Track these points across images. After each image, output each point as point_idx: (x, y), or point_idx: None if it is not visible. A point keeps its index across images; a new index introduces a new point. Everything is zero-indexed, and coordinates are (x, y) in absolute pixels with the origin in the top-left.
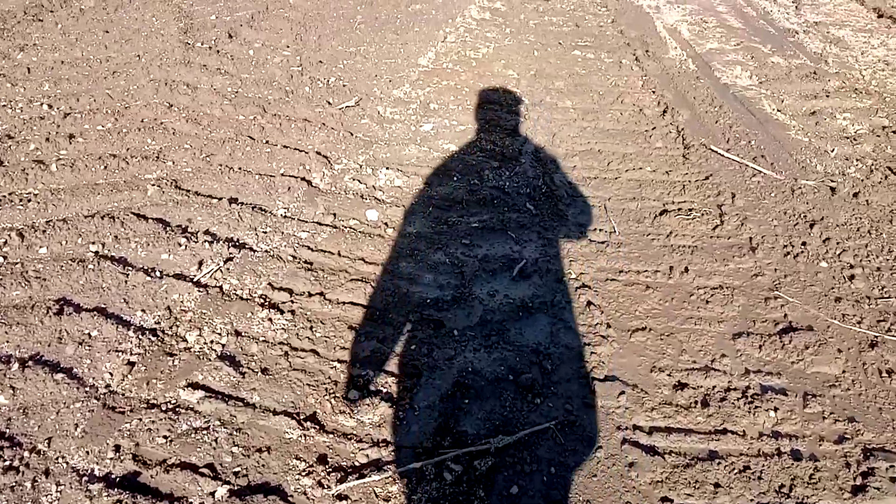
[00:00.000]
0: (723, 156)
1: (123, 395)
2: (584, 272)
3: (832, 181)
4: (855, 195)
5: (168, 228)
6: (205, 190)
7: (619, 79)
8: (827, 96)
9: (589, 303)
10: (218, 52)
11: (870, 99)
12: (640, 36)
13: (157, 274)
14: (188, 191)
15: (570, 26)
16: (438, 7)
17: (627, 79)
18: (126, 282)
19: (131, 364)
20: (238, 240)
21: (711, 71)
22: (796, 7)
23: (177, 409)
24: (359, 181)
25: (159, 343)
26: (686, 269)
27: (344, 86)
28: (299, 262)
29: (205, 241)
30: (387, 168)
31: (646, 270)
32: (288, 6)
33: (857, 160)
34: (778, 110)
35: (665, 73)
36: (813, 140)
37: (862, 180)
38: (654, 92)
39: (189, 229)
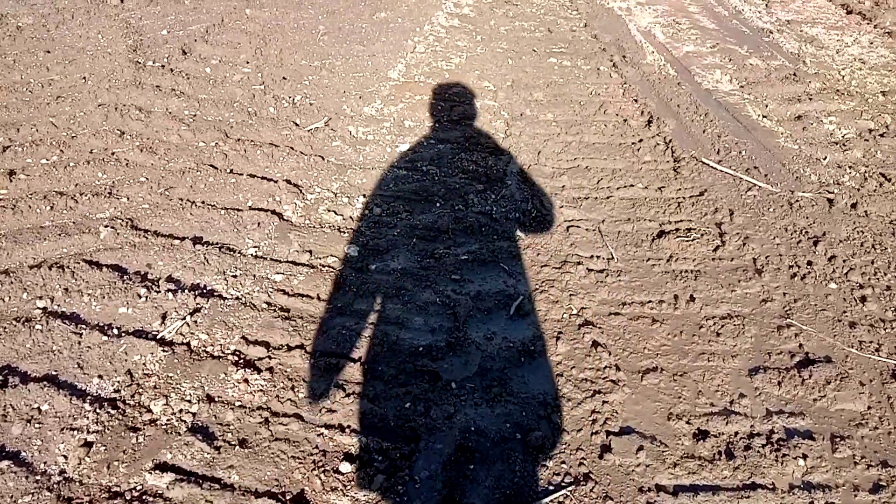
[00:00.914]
0: (716, 169)
1: (81, 482)
2: (585, 306)
3: (829, 192)
4: (853, 206)
5: (125, 277)
6: (165, 229)
7: (598, 87)
8: (810, 99)
9: (594, 342)
10: (172, 70)
11: (852, 100)
12: (614, 40)
13: (115, 332)
14: (146, 231)
15: (542, 32)
16: (404, 15)
17: (607, 87)
18: (79, 343)
19: (89, 444)
20: (205, 286)
21: (692, 76)
22: (766, 5)
23: (143, 498)
24: (334, 212)
25: (120, 416)
26: (692, 298)
27: (311, 104)
28: (275, 310)
29: (168, 289)
30: (363, 196)
31: (650, 301)
32: (244, 18)
33: (849, 167)
34: (763, 116)
35: (645, 79)
36: (803, 147)
37: (857, 189)
38: (636, 101)
39: (149, 276)
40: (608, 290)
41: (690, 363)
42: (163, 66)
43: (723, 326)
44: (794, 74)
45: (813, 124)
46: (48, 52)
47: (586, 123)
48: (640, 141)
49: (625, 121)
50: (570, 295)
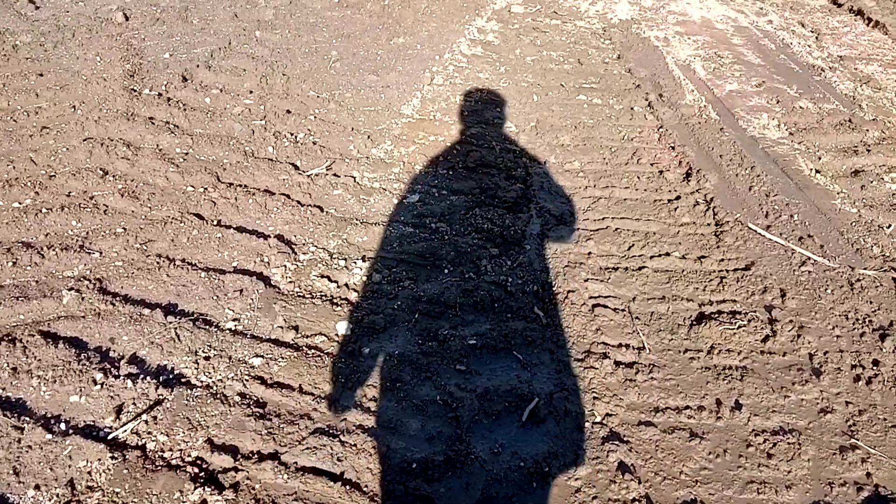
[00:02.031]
0: (763, 236)
1: None
2: (611, 412)
3: (894, 269)
4: None
5: (83, 355)
6: (136, 293)
7: (631, 130)
8: (868, 151)
9: (621, 464)
10: (169, 100)
11: None
12: (651, 76)
13: (62, 427)
14: (115, 295)
15: (571, 63)
16: (424, 41)
17: (641, 130)
18: (20, 441)
19: None
20: (172, 370)
21: (735, 120)
22: (817, 38)
23: None
24: (328, 278)
25: None
26: (738, 405)
27: (314, 143)
28: (249, 404)
29: (128, 374)
30: (363, 259)
31: (688, 407)
32: (253, 41)
33: None
34: (816, 171)
35: (684, 122)
36: (862, 211)
37: None
38: (673, 148)
39: (110, 354)
40: (638, 392)
41: (736, 496)
42: (160, 95)
43: (775, 445)
44: (850, 121)
45: (873, 182)
46: (41, 75)
47: (617, 175)
48: (678, 198)
49: (661, 173)
50: (594, 398)
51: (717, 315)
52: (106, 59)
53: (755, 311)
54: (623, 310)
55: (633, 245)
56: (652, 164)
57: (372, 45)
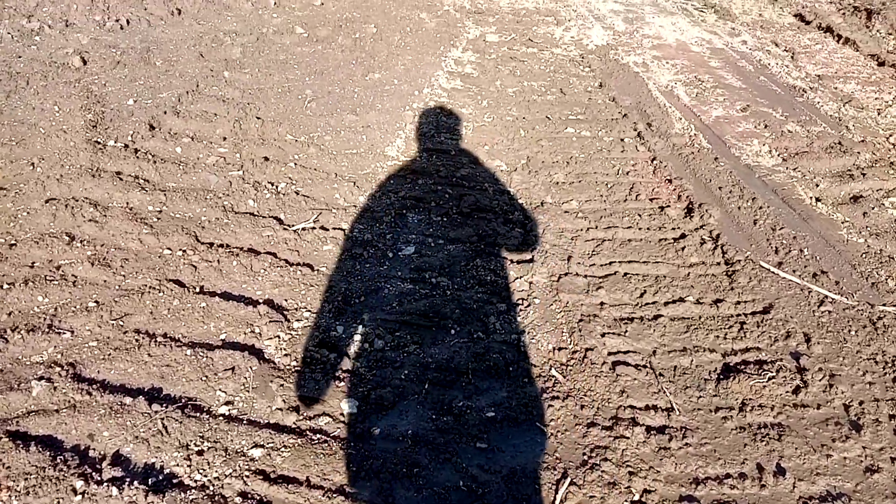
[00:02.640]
0: (777, 275)
1: None
2: (649, 488)
3: None
4: None
5: (59, 458)
6: (115, 377)
7: (625, 164)
8: (863, 175)
9: None
10: (136, 152)
11: None
12: (636, 103)
13: None
14: (91, 382)
15: (554, 93)
16: (401, 76)
17: (635, 163)
18: None
19: None
20: (162, 469)
21: (727, 147)
22: (792, 57)
23: None
24: (327, 347)
25: None
26: (780, 469)
27: (297, 193)
28: None
29: (112, 478)
30: (362, 321)
31: (728, 476)
32: (222, 82)
33: None
34: (817, 199)
35: (677, 153)
36: (870, 241)
37: None
38: (670, 181)
39: (90, 454)
40: (675, 461)
41: None
42: (126, 147)
43: None
44: (840, 143)
45: (874, 208)
46: None
47: (617, 213)
48: (683, 236)
49: (661, 209)
50: (630, 472)
51: (743, 366)
52: (65, 109)
53: (782, 360)
54: (645, 366)
55: (644, 291)
56: (651, 200)
57: (347, 81)
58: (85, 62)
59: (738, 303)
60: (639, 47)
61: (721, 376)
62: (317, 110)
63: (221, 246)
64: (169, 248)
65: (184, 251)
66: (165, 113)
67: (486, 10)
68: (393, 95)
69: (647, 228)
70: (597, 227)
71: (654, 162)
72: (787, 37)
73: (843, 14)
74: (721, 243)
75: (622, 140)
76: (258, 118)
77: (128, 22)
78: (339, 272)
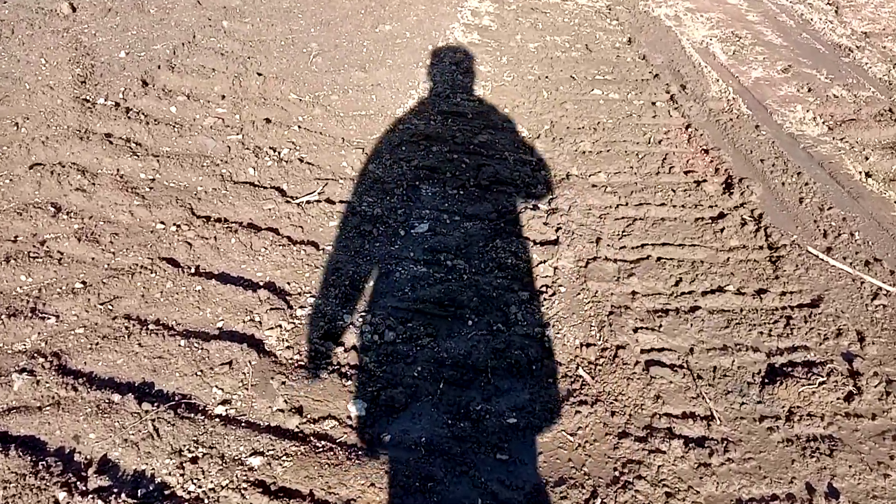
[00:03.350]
0: (827, 262)
1: None
2: None
3: None
4: None
5: (41, 464)
6: (103, 370)
7: (657, 131)
8: None
9: None
10: (128, 111)
11: None
12: (668, 62)
13: None
14: (77, 376)
15: (578, 50)
16: (413, 28)
17: (668, 130)
18: None
19: None
20: (153, 478)
21: (769, 114)
22: (836, 12)
23: None
24: (332, 339)
25: None
26: (832, 490)
27: (301, 160)
28: None
29: (98, 488)
30: (371, 309)
31: (775, 497)
32: (221, 33)
33: None
34: (867, 174)
35: (713, 120)
36: None
37: None
38: (706, 151)
39: (75, 458)
40: (716, 480)
41: None
42: (117, 105)
43: None
44: (891, 111)
45: None
46: None
47: (649, 188)
48: (722, 216)
49: (697, 184)
50: (667, 493)
51: (790, 368)
52: (52, 62)
53: (833, 361)
54: (681, 366)
55: (680, 279)
56: (686, 173)
57: (355, 34)
58: (74, 9)
59: (784, 294)
60: None
61: (766, 380)
62: (322, 66)
63: (219, 220)
64: (162, 223)
65: (178, 226)
66: (159, 67)
67: None
68: (405, 50)
69: (682, 206)
70: (627, 204)
71: (689, 129)
72: None
73: None
74: (764, 224)
75: (654, 104)
76: (259, 74)
77: None
78: (347, 252)
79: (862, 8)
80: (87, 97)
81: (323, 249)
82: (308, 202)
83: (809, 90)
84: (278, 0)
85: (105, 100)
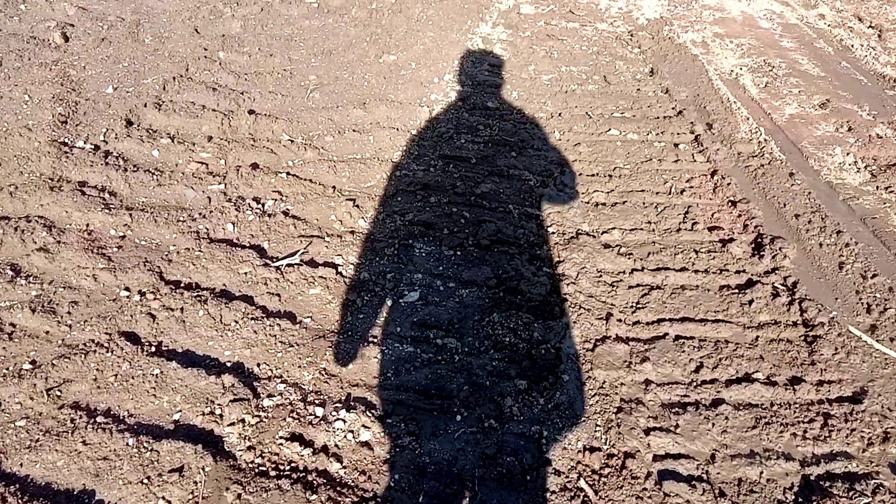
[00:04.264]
0: (872, 346)
1: None
2: None
3: None
4: None
5: None
6: (40, 473)
7: (678, 178)
8: None
9: None
10: (107, 155)
11: None
12: (693, 97)
13: None
14: (11, 480)
15: (596, 82)
16: (420, 58)
17: (691, 177)
18: None
19: None
20: None
21: (804, 158)
22: (879, 36)
23: None
24: (300, 439)
25: None
26: None
27: (286, 213)
28: None
29: None
30: (346, 404)
31: None
32: (216, 64)
33: None
34: None
35: (743, 165)
36: None
37: None
38: (734, 203)
39: None
40: None
41: None
42: (96, 149)
43: None
44: None
45: None
46: None
47: (669, 248)
48: (750, 284)
49: (723, 244)
50: None
51: (827, 482)
52: (36, 98)
53: (879, 475)
54: (701, 478)
55: (701, 364)
56: (711, 230)
57: (358, 64)
58: (67, 38)
59: (822, 384)
60: (698, 21)
61: (800, 497)
62: (320, 101)
63: (189, 287)
64: (127, 289)
65: (143, 294)
66: (146, 105)
67: None
68: (409, 83)
69: (706, 271)
70: (643, 269)
71: (715, 177)
72: (873, 8)
73: None
74: (799, 296)
75: (676, 146)
76: (251, 112)
77: None
78: (327, 326)
79: None
80: (67, 139)
81: (300, 323)
82: (289, 265)
83: (850, 129)
84: (280, 27)
85: (84, 142)
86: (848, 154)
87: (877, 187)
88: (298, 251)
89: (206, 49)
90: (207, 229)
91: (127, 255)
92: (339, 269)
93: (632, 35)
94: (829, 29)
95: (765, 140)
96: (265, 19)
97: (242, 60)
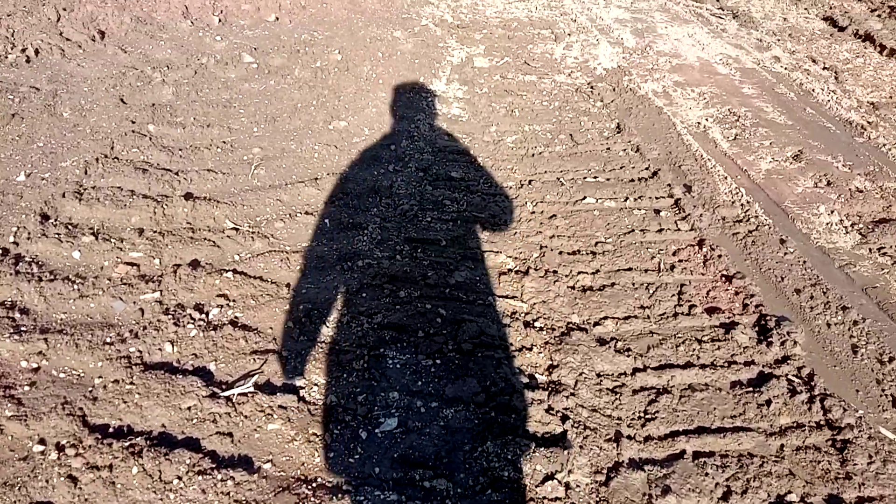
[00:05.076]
0: None
1: None
2: None
3: None
4: None
5: None
6: None
7: (665, 250)
8: None
9: None
10: (17, 261)
11: None
12: (665, 154)
13: None
14: None
15: (563, 142)
16: (372, 122)
17: (678, 249)
18: None
19: None
20: None
21: (791, 220)
22: (836, 78)
23: None
24: None
25: None
26: None
27: (235, 322)
28: None
29: None
30: None
31: None
32: (146, 140)
33: None
34: None
35: (730, 232)
36: None
37: None
38: (728, 279)
39: None
40: None
41: None
42: (4, 253)
43: None
44: None
45: None
46: None
47: (668, 339)
48: (763, 380)
49: (725, 329)
50: None
51: None
52: None
53: None
54: None
55: (729, 490)
56: (709, 312)
57: (306, 132)
58: None
59: (862, 502)
60: (656, 69)
61: None
62: (266, 179)
63: (119, 434)
64: (42, 442)
65: (62, 448)
66: (65, 195)
67: (470, 23)
68: (364, 154)
69: (713, 365)
70: (645, 369)
71: (704, 249)
72: (823, 49)
73: (881, 18)
74: (818, 391)
75: (657, 212)
76: (188, 197)
77: (36, 53)
78: (290, 472)
79: (862, 72)
80: None
81: (258, 471)
82: (241, 394)
83: (829, 184)
84: (217, 91)
85: None
86: (832, 212)
87: (870, 250)
88: (252, 374)
89: (133, 122)
90: (141, 352)
91: (41, 394)
92: (302, 393)
93: (592, 87)
94: (786, 73)
95: (747, 202)
96: (199, 83)
97: (176, 133)
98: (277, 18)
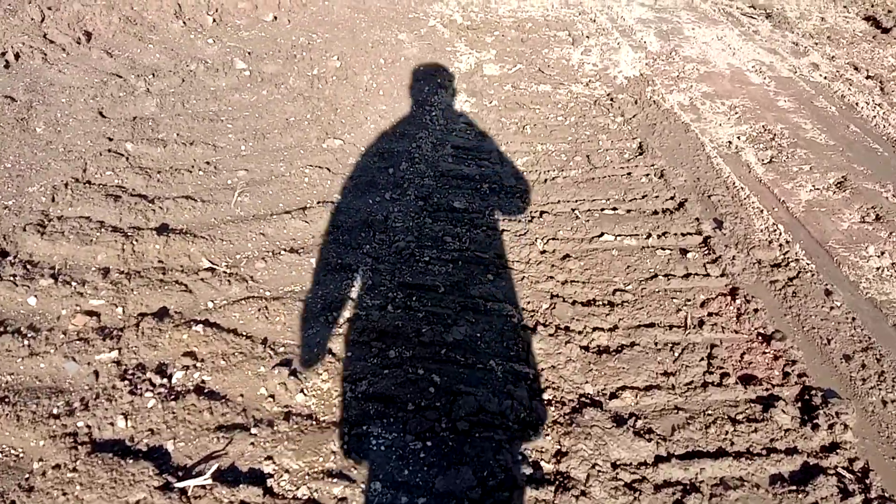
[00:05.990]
0: None
1: None
2: None
3: None
4: None
5: None
6: None
7: (693, 302)
8: None
9: None
10: None
11: None
12: (693, 181)
13: None
14: None
15: (578, 164)
16: (370, 142)
17: (707, 299)
18: None
19: None
20: None
21: (836, 265)
22: (882, 90)
23: None
24: None
25: None
26: None
27: (201, 388)
28: None
29: None
30: None
31: None
32: (121, 162)
33: None
34: None
35: (767, 280)
36: None
37: None
38: (765, 339)
39: None
40: None
41: None
42: None
43: None
44: None
45: None
46: None
47: (697, 419)
48: (809, 474)
49: (764, 406)
50: None
51: None
52: None
53: None
54: None
55: None
56: (745, 383)
57: (297, 152)
58: None
59: None
60: (682, 78)
61: None
62: (250, 207)
63: None
64: None
65: None
66: (26, 229)
67: (481, 23)
68: (359, 179)
69: (749, 454)
70: (669, 458)
71: (738, 300)
72: (865, 54)
73: None
74: (875, 493)
75: (683, 253)
76: (161, 230)
77: (17, 57)
78: None
79: None
80: None
81: None
82: (199, 485)
83: (877, 218)
84: (204, 103)
85: None
86: (883, 254)
87: None
88: (214, 455)
89: (111, 139)
90: (90, 427)
91: None
92: (270, 482)
93: (612, 99)
94: (826, 83)
95: (786, 242)
96: (186, 94)
97: (155, 153)
98: (276, 18)
